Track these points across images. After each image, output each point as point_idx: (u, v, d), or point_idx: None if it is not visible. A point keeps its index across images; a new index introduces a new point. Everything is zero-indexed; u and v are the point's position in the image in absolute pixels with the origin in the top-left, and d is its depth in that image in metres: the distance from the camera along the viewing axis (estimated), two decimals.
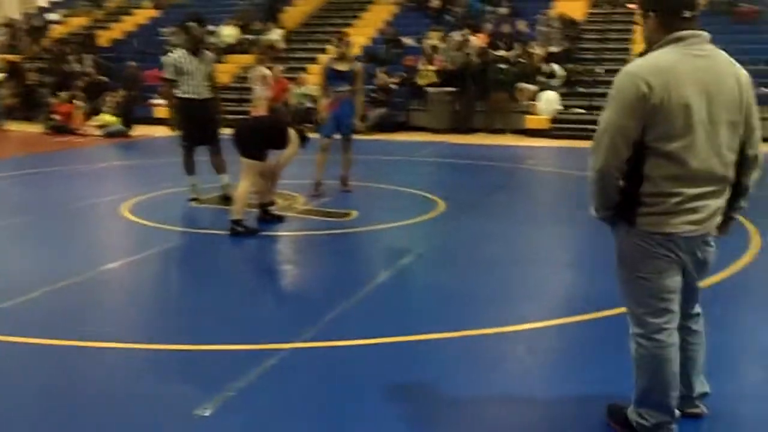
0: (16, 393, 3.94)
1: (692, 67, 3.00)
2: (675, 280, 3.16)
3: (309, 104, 18.01)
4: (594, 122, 13.77)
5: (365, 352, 4.46)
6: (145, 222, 7.77)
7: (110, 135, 16.07)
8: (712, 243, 3.21)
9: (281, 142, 7.42)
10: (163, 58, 8.91)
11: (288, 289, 6.01)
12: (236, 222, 7.19)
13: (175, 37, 22.42)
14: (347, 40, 9.70)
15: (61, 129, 16.71)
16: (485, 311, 5.20)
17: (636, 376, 3.26)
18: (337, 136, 9.45)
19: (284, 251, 7.21)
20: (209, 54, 8.93)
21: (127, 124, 16.43)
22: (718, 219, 3.16)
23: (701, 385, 3.43)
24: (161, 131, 17.02)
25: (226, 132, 9.09)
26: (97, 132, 16.39)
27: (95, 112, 17.76)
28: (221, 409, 3.67)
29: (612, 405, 3.50)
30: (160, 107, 19.22)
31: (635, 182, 3.12)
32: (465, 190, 10.06)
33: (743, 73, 3.12)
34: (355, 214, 8.18)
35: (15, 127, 18.31)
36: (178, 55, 8.66)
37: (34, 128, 17.81)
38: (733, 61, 3.13)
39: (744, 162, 3.17)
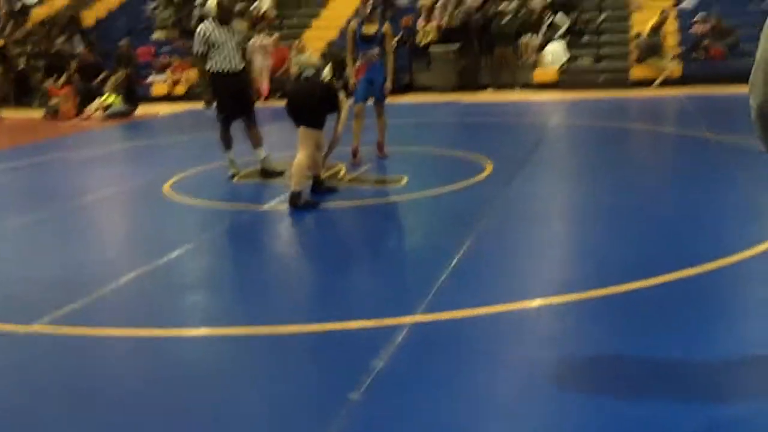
0: (142, 389, 3.76)
1: None
2: None
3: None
4: (600, 71, 13.78)
5: (490, 322, 4.30)
6: (195, 202, 7.53)
7: (113, 116, 15.68)
8: None
9: (335, 105, 7.23)
10: (197, 31, 8.51)
11: (378, 261, 5.74)
12: (296, 194, 6.97)
13: (159, 11, 21.98)
14: (372, 1, 9.40)
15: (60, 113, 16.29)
16: (597, 269, 5.05)
17: None
18: (370, 102, 9.23)
19: (354, 222, 6.95)
20: (239, 23, 8.62)
21: (131, 104, 16.04)
22: None
23: None
24: (164, 109, 16.79)
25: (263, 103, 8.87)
26: (100, 114, 15.98)
27: (92, 93, 17.35)
28: (373, 390, 3.51)
29: None
30: (158, 84, 18.91)
31: None
32: (503, 148, 9.87)
33: None
34: (406, 179, 7.99)
35: (11, 114, 17.83)
36: (207, 27, 8.36)
37: (32, 114, 17.41)
38: None
39: None
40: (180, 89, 18.73)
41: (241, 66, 8.44)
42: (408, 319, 4.29)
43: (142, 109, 16.41)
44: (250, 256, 6.01)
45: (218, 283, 5.33)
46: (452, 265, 5.19)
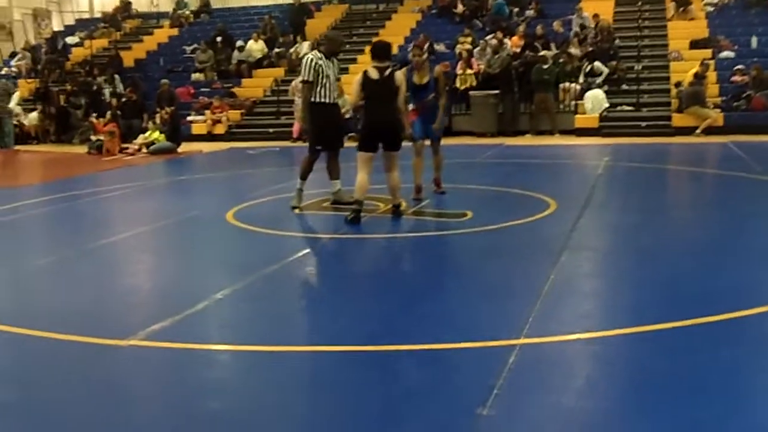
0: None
1: None
2: None
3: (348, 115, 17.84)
4: (642, 119, 13.94)
5: (588, 346, 4.30)
6: (269, 231, 7.51)
7: (156, 152, 15.81)
8: None
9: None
10: (304, 60, 8.45)
11: (469, 288, 5.65)
12: (399, 206, 7.78)
13: (199, 53, 22.33)
14: (425, 48, 9.45)
15: (103, 148, 16.41)
16: (683, 300, 5.01)
17: None
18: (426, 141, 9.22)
19: (429, 251, 6.92)
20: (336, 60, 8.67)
21: (175, 141, 16.21)
22: None
23: None
24: (205, 147, 16.94)
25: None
26: (144, 150, 16.15)
27: (133, 130, 17.57)
28: (498, 407, 3.45)
29: None
30: (198, 124, 19.13)
31: None
32: (560, 187, 9.88)
33: None
34: (470, 214, 7.96)
35: (53, 149, 18.15)
36: (316, 56, 8.37)
37: (74, 150, 17.65)
38: None
39: None
40: (220, 129, 18.93)
41: (338, 100, 8.52)
42: (514, 342, 4.24)
43: (184, 147, 16.56)
44: (337, 280, 5.97)
45: (311, 304, 5.30)
46: (543, 292, 5.15)
